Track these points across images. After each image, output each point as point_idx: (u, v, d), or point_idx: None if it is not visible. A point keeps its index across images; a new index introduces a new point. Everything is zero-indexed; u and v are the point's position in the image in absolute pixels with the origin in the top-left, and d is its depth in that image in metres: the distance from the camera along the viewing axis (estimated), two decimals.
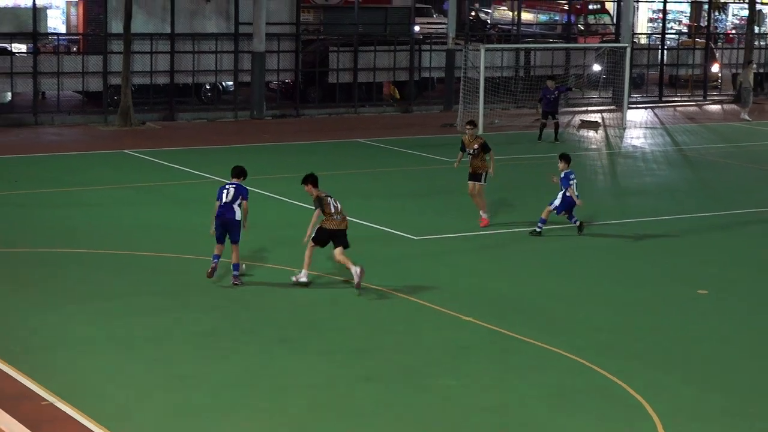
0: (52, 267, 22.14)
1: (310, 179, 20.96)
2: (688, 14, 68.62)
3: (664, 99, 51.14)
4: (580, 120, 44.30)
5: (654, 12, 67.08)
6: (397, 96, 44.38)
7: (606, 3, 60.51)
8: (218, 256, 20.79)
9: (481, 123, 39.86)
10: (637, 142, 40.38)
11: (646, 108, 49.21)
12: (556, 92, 39.23)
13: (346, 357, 17.58)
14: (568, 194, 25.18)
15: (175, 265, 22.44)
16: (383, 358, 17.60)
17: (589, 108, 47.68)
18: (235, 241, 20.75)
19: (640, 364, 17.49)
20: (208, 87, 43.89)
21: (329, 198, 20.85)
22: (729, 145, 40.10)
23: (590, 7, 60.46)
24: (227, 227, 20.67)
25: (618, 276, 22.73)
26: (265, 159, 34.39)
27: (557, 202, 25.29)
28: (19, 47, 41.45)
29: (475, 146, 25.87)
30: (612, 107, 47.22)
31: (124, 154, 34.38)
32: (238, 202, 20.64)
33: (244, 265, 21.39)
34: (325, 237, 20.81)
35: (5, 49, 40.57)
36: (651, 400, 15.90)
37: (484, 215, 26.18)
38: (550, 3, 68.09)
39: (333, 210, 20.77)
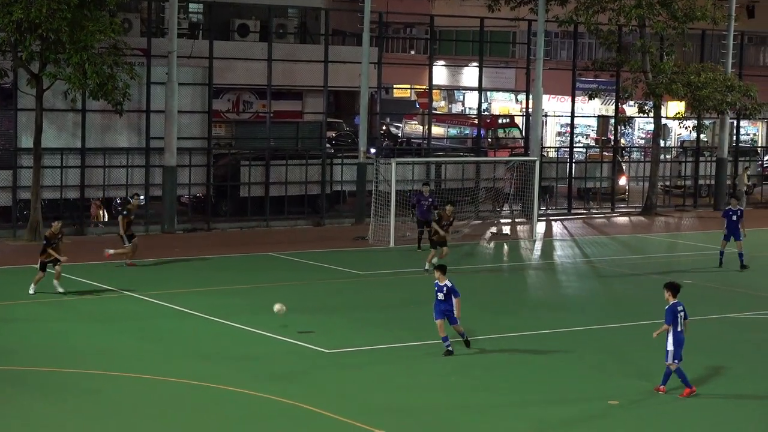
0: None
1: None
2: (596, 128, 69.90)
3: (573, 211, 51.74)
4: (490, 232, 44.69)
5: (562, 126, 68.19)
6: (101, 218, 42.99)
7: (515, 117, 61.48)
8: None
9: (393, 236, 40.02)
10: (546, 254, 40.77)
11: (555, 220, 49.72)
12: (430, 200, 39.36)
13: None
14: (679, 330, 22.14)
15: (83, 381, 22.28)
16: None
17: (499, 221, 48.09)
18: None
19: None
20: (119, 201, 43.64)
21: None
22: (636, 256, 40.58)
23: (500, 121, 61.38)
24: None
25: (535, 389, 22.84)
26: (175, 273, 34.28)
27: (670, 346, 22.05)
28: None
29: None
30: (522, 219, 47.68)
31: (32, 269, 33.97)
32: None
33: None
34: None
35: None
36: None
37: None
38: (459, 117, 69.11)
39: None
